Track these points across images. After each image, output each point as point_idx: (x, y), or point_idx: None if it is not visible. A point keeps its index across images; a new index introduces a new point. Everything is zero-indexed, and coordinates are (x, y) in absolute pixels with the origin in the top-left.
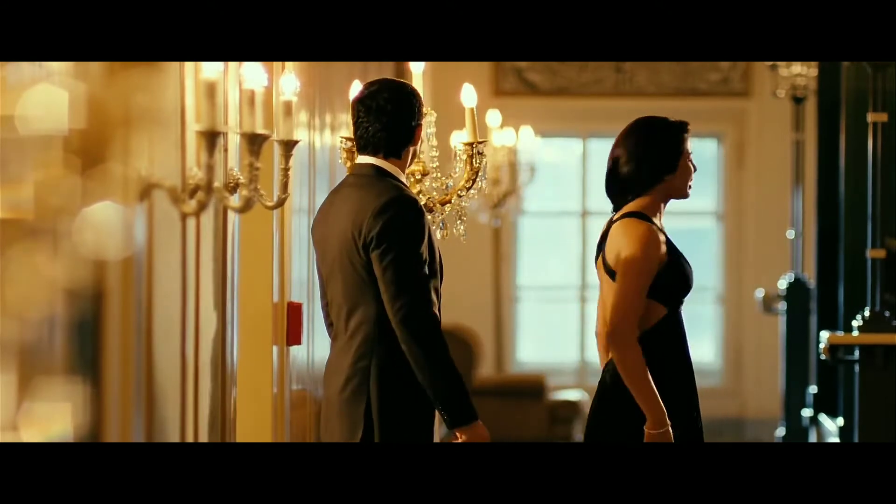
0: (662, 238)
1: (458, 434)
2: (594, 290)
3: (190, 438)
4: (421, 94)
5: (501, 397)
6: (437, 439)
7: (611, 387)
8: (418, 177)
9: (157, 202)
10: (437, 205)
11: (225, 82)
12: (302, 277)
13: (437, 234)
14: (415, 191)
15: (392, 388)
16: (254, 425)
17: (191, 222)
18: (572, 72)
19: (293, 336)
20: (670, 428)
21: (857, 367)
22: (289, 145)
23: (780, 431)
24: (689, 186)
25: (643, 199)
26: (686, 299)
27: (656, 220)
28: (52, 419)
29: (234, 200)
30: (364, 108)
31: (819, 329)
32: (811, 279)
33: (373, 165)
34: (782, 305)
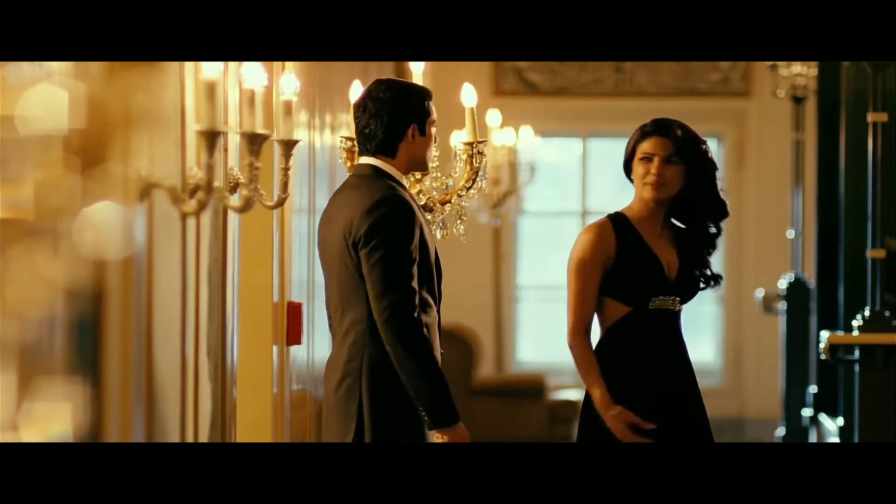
0: (606, 236)
1: (438, 435)
2: None
3: (190, 438)
4: (427, 91)
5: (501, 397)
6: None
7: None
8: (418, 176)
9: (157, 202)
10: (437, 205)
11: (225, 82)
12: (302, 277)
13: (437, 234)
14: (415, 191)
15: (383, 387)
16: (254, 425)
17: (191, 222)
18: (572, 72)
19: (293, 336)
20: (616, 411)
21: (857, 367)
22: (289, 145)
23: (780, 431)
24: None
25: (634, 201)
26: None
27: (643, 222)
28: (52, 419)
29: (234, 200)
30: (362, 108)
31: (819, 329)
32: (811, 279)
33: (371, 166)
34: (782, 305)
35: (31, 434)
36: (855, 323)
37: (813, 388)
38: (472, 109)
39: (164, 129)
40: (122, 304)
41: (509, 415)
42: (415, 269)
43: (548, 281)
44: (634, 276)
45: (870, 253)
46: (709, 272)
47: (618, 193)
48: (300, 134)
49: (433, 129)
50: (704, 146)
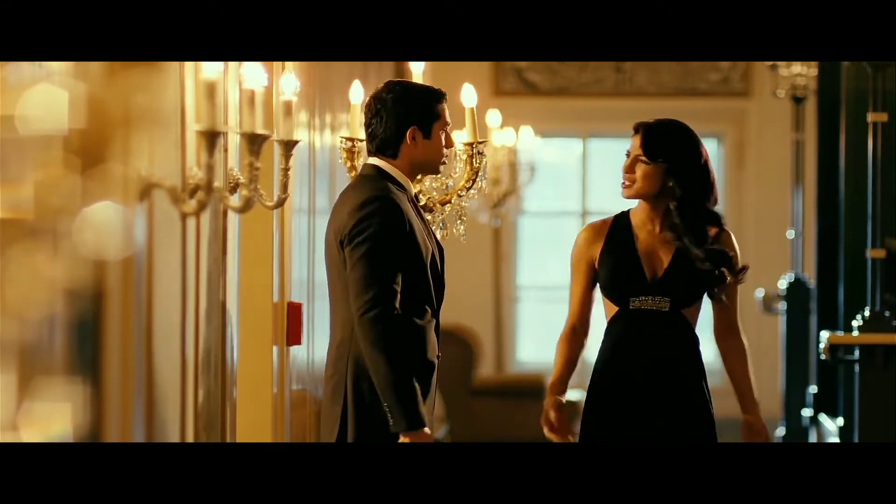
0: (593, 236)
1: (402, 437)
2: None
3: (190, 438)
4: (437, 94)
5: (501, 397)
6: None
7: None
8: (418, 177)
9: (157, 202)
10: (437, 205)
11: (225, 82)
12: (302, 277)
13: (438, 234)
14: (415, 191)
15: (366, 386)
16: (254, 425)
17: (191, 222)
18: (572, 72)
19: (293, 336)
20: (560, 398)
21: (857, 367)
22: (289, 145)
23: (780, 431)
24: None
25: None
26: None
27: (641, 221)
28: (52, 419)
29: (234, 200)
30: (367, 108)
31: (819, 329)
32: (811, 279)
33: (374, 166)
34: (782, 305)
35: (31, 434)
36: (855, 323)
37: (813, 388)
38: (472, 109)
39: (164, 129)
40: (122, 304)
41: (509, 415)
42: (399, 270)
43: (548, 281)
44: (614, 275)
45: (870, 253)
46: (712, 273)
47: (618, 193)
48: (300, 134)
49: (442, 133)
50: (692, 147)
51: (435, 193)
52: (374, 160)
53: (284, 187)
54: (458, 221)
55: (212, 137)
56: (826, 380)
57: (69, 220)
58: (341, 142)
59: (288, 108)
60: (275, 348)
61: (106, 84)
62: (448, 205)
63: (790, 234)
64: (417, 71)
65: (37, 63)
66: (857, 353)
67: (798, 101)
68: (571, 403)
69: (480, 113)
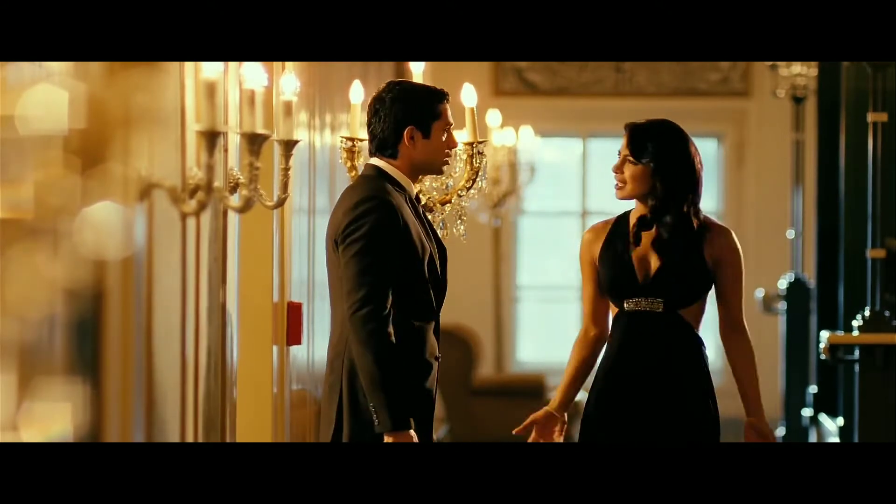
0: (593, 236)
1: (387, 437)
2: None
3: (190, 438)
4: (438, 94)
5: (501, 397)
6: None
7: None
8: (420, 177)
9: (157, 202)
10: (437, 205)
11: (225, 82)
12: (302, 277)
13: (438, 235)
14: (416, 190)
15: (360, 386)
16: (254, 425)
17: (191, 222)
18: (572, 72)
19: (293, 336)
20: (561, 416)
21: (857, 367)
22: (289, 145)
23: (780, 431)
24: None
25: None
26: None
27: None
28: (52, 419)
29: (234, 200)
30: (368, 107)
31: (819, 329)
32: (811, 279)
33: (374, 166)
34: (782, 305)
35: (31, 434)
36: (855, 323)
37: (813, 388)
38: (472, 109)
39: (164, 129)
40: (122, 304)
41: (509, 415)
42: (391, 270)
43: (548, 281)
44: (607, 276)
45: (870, 253)
46: (704, 273)
47: None
48: (300, 134)
49: (443, 133)
50: (680, 148)
51: (435, 193)
52: (374, 160)
53: (284, 187)
54: (458, 221)
55: (212, 137)
56: (826, 380)
57: (69, 220)
58: (341, 142)
59: (288, 108)
60: (275, 348)
61: (106, 84)
62: (448, 205)
63: (790, 234)
64: (417, 71)
65: (37, 63)
66: (857, 353)
67: (798, 101)
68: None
69: (480, 113)
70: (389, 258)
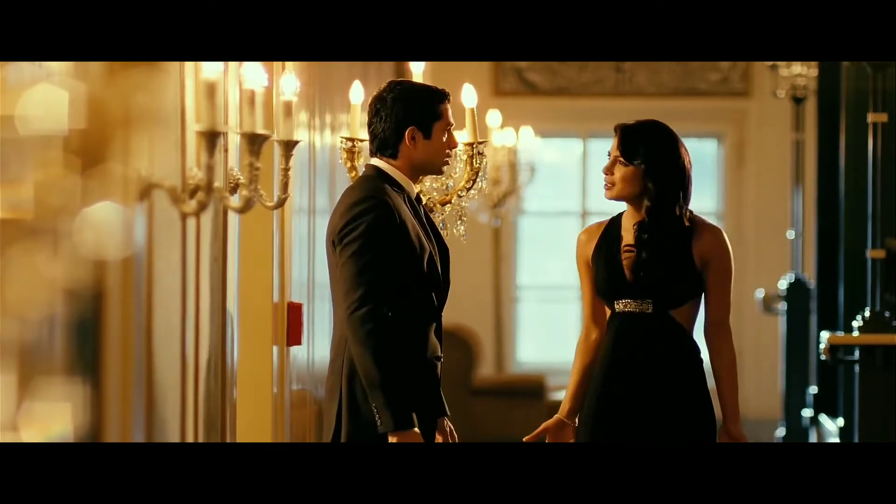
0: (587, 238)
1: (391, 437)
2: None
3: (190, 438)
4: (439, 94)
5: (501, 397)
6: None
7: None
8: (421, 177)
9: (157, 202)
10: (437, 205)
11: (225, 82)
12: (302, 277)
13: (441, 235)
14: (416, 190)
15: (359, 386)
16: (254, 425)
17: (191, 222)
18: (572, 72)
19: (293, 336)
20: (572, 423)
21: (857, 367)
22: (289, 145)
23: (780, 431)
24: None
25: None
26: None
27: (630, 222)
28: (52, 419)
29: (234, 200)
30: (369, 107)
31: (819, 329)
32: (811, 279)
33: (374, 167)
34: (782, 305)
35: (31, 434)
36: (855, 323)
37: (813, 389)
38: (472, 110)
39: (164, 129)
40: (122, 304)
41: (509, 415)
42: (389, 270)
43: (548, 281)
44: (598, 278)
45: (870, 253)
46: (692, 273)
47: None
48: (300, 134)
49: (444, 133)
50: (670, 148)
51: (435, 193)
52: (374, 160)
53: (284, 187)
54: (458, 221)
55: (212, 137)
56: (826, 380)
57: (69, 220)
58: (341, 142)
59: (288, 108)
60: (275, 348)
61: (106, 84)
62: (448, 205)
63: (790, 234)
64: (417, 71)
65: (37, 63)
66: (857, 353)
67: (798, 101)
68: None
69: (480, 113)
70: (387, 258)
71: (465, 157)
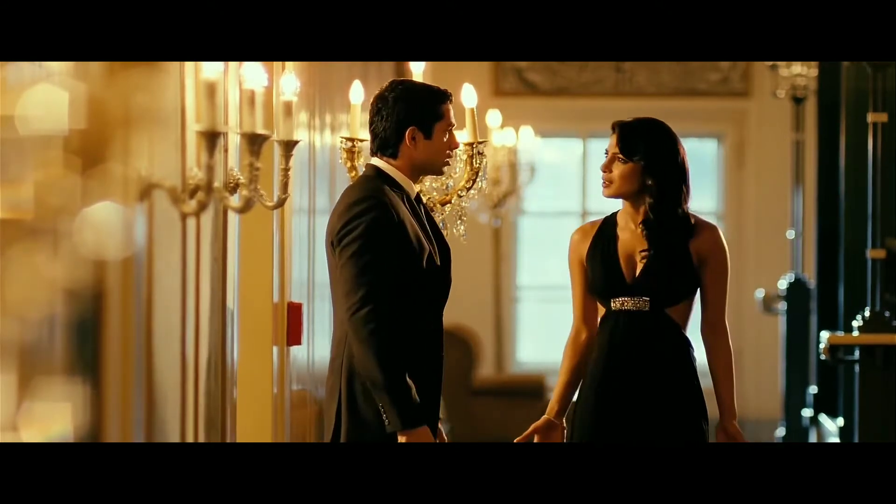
0: (581, 237)
1: (400, 436)
2: None
3: (190, 438)
4: (440, 94)
5: (501, 397)
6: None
7: None
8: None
9: (157, 202)
10: (437, 205)
11: (225, 82)
12: (302, 277)
13: (442, 234)
14: (415, 190)
15: (358, 386)
16: (254, 425)
17: (191, 222)
18: (572, 72)
19: (293, 336)
20: (560, 423)
21: (857, 367)
22: (289, 145)
23: (780, 431)
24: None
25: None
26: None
27: (626, 221)
28: (52, 419)
29: (234, 200)
30: (371, 107)
31: (819, 329)
32: (811, 279)
33: (373, 167)
34: (782, 305)
35: (31, 434)
36: (855, 323)
37: (813, 389)
38: (472, 110)
39: (164, 129)
40: (122, 305)
41: (509, 415)
42: (388, 270)
43: (548, 281)
44: (595, 276)
45: (870, 253)
46: (690, 271)
47: None
48: (300, 134)
49: (445, 133)
50: (669, 146)
51: (435, 194)
52: (375, 160)
53: (284, 187)
54: (458, 221)
55: (212, 137)
56: (826, 380)
57: (69, 220)
58: (341, 142)
59: (288, 108)
60: (275, 348)
61: (106, 84)
62: (448, 205)
63: (790, 234)
64: (417, 71)
65: (37, 63)
66: (857, 353)
67: (798, 101)
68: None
69: (480, 113)
70: (387, 257)
71: (465, 157)
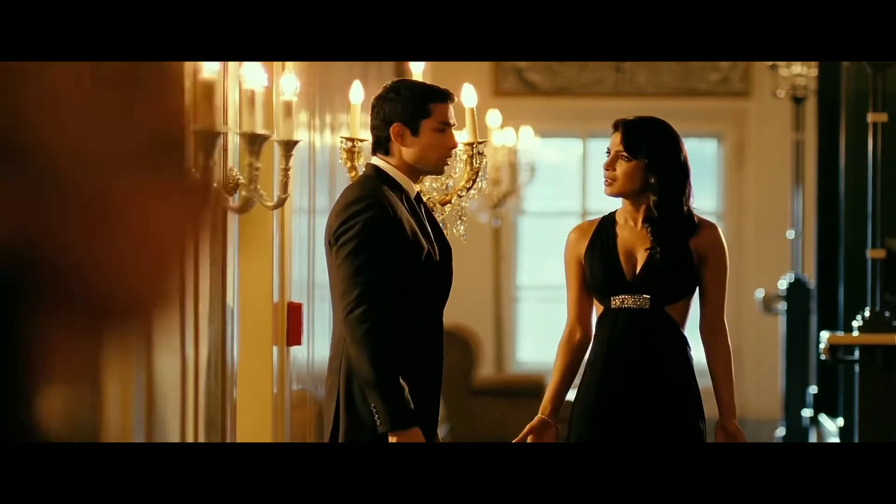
0: (578, 236)
1: (391, 436)
2: None
3: (190, 438)
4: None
5: (501, 397)
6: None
7: None
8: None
9: None
10: (437, 205)
11: (225, 82)
12: (302, 277)
13: (443, 234)
14: (415, 190)
15: (355, 386)
16: (254, 425)
17: None
18: (572, 72)
19: (293, 336)
20: (554, 422)
21: (857, 367)
22: (289, 145)
23: (780, 431)
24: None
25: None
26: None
27: (625, 219)
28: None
29: (234, 201)
30: (371, 108)
31: (819, 329)
32: (811, 279)
33: (373, 165)
34: (782, 305)
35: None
36: (855, 323)
37: (813, 389)
38: (472, 110)
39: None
40: None
41: (509, 415)
42: (385, 269)
43: (548, 281)
44: (595, 274)
45: (870, 253)
46: (691, 268)
47: None
48: (300, 134)
49: (436, 131)
50: (672, 144)
51: (435, 193)
52: (374, 159)
53: (284, 187)
54: (458, 221)
55: (211, 137)
56: (826, 380)
57: None
58: (341, 142)
59: (288, 108)
60: (275, 348)
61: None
62: (448, 205)
63: (790, 234)
64: (417, 71)
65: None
66: (857, 353)
67: (798, 101)
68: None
69: (480, 113)
70: (384, 257)
71: (465, 157)
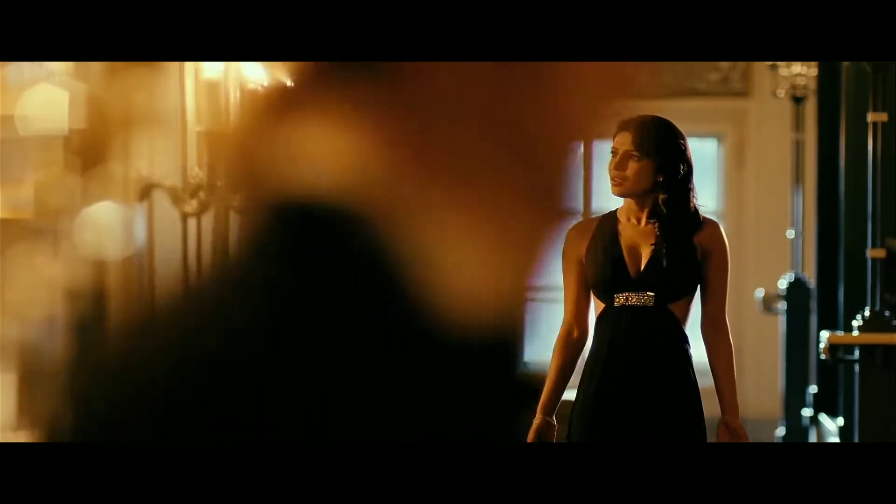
0: (578, 234)
1: None
2: None
3: None
4: None
5: None
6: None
7: None
8: None
9: (157, 202)
10: None
11: (225, 82)
12: None
13: None
14: None
15: None
16: None
17: (191, 222)
18: None
19: None
20: (550, 420)
21: (857, 367)
22: None
23: (780, 431)
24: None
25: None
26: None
27: (627, 217)
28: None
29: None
30: None
31: (819, 329)
32: (811, 279)
33: None
34: (782, 305)
35: (30, 434)
36: (855, 323)
37: (813, 388)
38: None
39: (164, 129)
40: (122, 304)
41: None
42: None
43: (548, 281)
44: (597, 272)
45: (870, 253)
46: (695, 266)
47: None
48: None
49: None
50: (680, 142)
51: None
52: None
53: None
54: None
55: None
56: (826, 380)
57: (69, 220)
58: None
59: None
60: None
61: (106, 84)
62: None
63: (790, 234)
64: None
65: (37, 63)
66: (857, 353)
67: (798, 101)
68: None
69: None
70: None
71: None
